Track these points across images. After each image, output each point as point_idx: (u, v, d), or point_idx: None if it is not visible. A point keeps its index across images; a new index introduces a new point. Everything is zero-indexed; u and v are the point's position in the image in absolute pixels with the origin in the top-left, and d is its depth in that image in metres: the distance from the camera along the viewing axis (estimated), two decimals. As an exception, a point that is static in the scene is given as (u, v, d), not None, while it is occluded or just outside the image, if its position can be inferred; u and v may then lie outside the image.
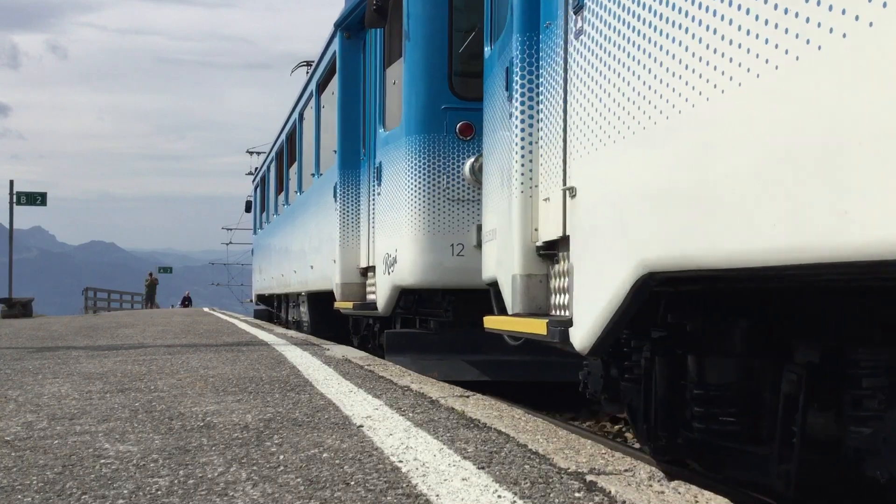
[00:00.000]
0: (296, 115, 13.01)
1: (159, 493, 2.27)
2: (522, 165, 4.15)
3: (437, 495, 2.20)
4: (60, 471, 2.55)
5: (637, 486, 2.27)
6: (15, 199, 24.18)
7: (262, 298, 20.81)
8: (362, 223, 8.59)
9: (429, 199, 6.62)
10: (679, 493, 2.22)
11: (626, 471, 2.45)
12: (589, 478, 2.36)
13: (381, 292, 7.39)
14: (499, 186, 4.60)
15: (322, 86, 10.62)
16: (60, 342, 8.98)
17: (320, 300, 10.91)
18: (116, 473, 2.50)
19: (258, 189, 21.98)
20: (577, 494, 2.21)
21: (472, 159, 6.47)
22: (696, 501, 2.15)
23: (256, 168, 23.19)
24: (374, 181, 7.91)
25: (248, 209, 25.60)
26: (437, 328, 7.22)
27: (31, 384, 4.83)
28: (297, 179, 13.09)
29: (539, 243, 4.06)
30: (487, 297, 5.23)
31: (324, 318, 11.00)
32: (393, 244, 7.00)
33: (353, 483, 2.36)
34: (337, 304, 8.89)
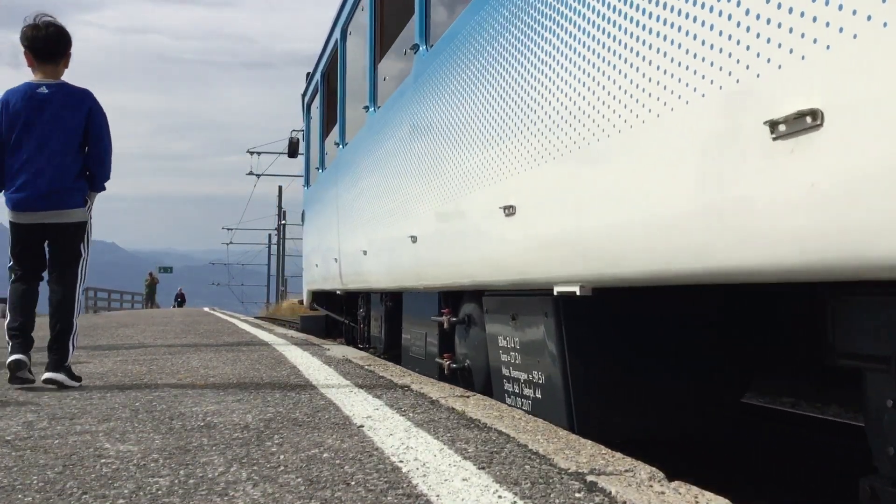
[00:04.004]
0: None
1: (160, 492, 2.27)
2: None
3: (438, 495, 2.20)
4: (61, 470, 2.55)
5: (637, 486, 2.27)
6: (15, 199, 24.13)
7: (321, 300, 12.23)
8: None
9: None
10: (679, 493, 2.22)
11: (626, 471, 2.45)
12: (589, 478, 2.36)
13: None
14: None
15: None
16: (61, 342, 8.97)
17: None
18: (117, 473, 2.50)
19: (318, 97, 12.06)
20: (577, 495, 2.21)
21: None
22: (697, 502, 2.15)
23: (308, 73, 13.44)
24: None
25: (291, 153, 17.91)
26: None
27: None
28: None
29: None
30: None
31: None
32: None
33: (353, 483, 2.36)
34: None
